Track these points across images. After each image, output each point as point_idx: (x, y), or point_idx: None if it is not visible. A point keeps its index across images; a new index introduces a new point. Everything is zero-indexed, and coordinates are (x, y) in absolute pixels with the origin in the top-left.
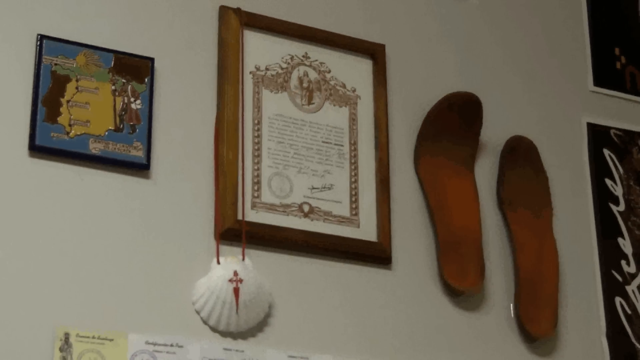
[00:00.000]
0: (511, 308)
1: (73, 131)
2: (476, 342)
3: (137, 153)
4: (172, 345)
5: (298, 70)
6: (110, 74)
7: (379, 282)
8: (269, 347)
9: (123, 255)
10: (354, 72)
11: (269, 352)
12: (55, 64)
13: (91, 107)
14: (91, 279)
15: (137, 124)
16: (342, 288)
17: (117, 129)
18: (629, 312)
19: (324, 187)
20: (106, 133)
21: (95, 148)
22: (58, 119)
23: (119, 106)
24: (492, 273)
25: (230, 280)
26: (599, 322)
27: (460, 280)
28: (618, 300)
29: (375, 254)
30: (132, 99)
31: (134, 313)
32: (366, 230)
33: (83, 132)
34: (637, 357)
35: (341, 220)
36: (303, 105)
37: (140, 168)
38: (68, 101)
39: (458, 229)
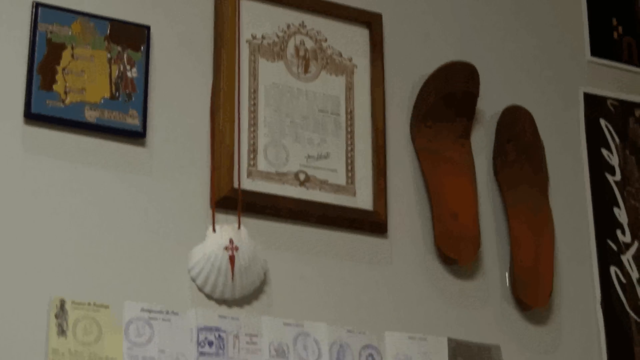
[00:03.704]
0: (506, 277)
1: (68, 99)
2: (471, 311)
3: (132, 121)
4: (167, 313)
5: (294, 39)
6: (106, 42)
7: (375, 250)
8: (264, 314)
9: (118, 223)
10: (350, 41)
11: (264, 320)
12: (51, 32)
13: (87, 75)
14: (86, 247)
15: (133, 92)
16: (338, 256)
17: (113, 97)
18: (624, 281)
19: (320, 156)
20: (102, 101)
21: (90, 116)
22: (53, 86)
23: (114, 74)
24: (487, 242)
25: (225, 248)
26: (594, 291)
27: (455, 248)
28: (613, 269)
29: (371, 223)
30: (127, 67)
31: (130, 280)
32: (362, 199)
33: (78, 100)
34: (631, 326)
35: (337, 188)
36: (299, 74)
37: (136, 136)
38: (63, 69)
39: (453, 197)
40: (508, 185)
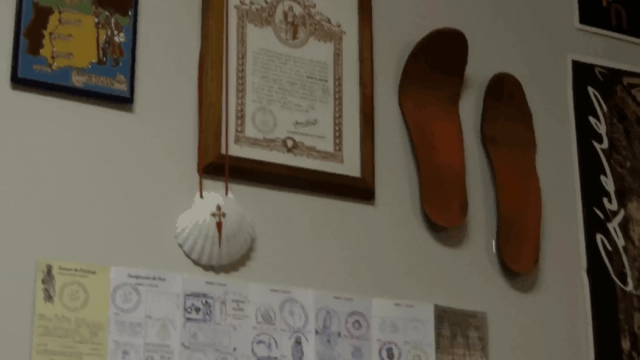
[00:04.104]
0: (493, 244)
1: (56, 64)
2: (457, 278)
3: (120, 86)
4: (154, 279)
5: (283, 4)
6: (94, 6)
7: (362, 217)
8: (251, 280)
9: (106, 188)
10: (339, 7)
11: (251, 286)
12: None
13: (74, 40)
14: (73, 212)
15: (120, 58)
16: (325, 223)
17: (100, 62)
18: (610, 248)
19: (308, 123)
20: (89, 66)
21: (78, 81)
22: (40, 51)
23: (102, 39)
24: (474, 209)
25: (213, 214)
26: (580, 258)
27: (442, 216)
28: (599, 236)
29: (359, 189)
30: (115, 32)
31: (117, 246)
32: (349, 166)
33: (66, 64)
34: (616, 292)
35: (325, 155)
36: (287, 40)
37: (123, 102)
38: (50, 33)
39: (441, 165)
40: (496, 153)
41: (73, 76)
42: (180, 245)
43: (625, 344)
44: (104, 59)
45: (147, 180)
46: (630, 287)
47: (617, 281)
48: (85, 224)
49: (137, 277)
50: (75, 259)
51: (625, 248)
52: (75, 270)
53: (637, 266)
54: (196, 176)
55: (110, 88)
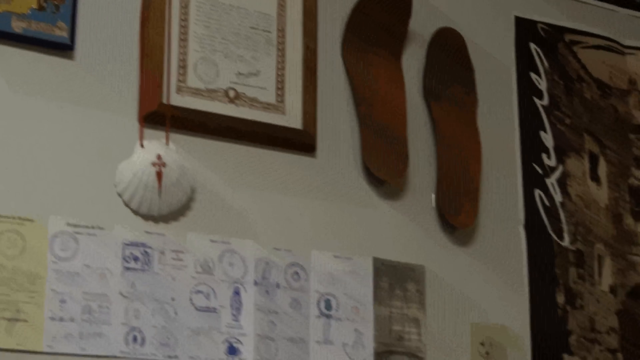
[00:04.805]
0: (432, 198)
1: None
2: (397, 231)
3: (60, 33)
4: (93, 228)
5: None
6: None
7: (303, 169)
8: (191, 231)
9: (45, 136)
10: None
11: (190, 236)
12: None
13: None
14: (11, 160)
15: (61, 4)
16: (266, 174)
17: (41, 8)
18: (548, 204)
19: (251, 74)
20: (29, 12)
21: (17, 27)
22: None
23: None
24: (415, 163)
25: (153, 164)
26: (518, 213)
27: (383, 169)
28: (537, 192)
29: (300, 141)
30: None
31: (55, 194)
32: (291, 118)
33: (5, 9)
34: (553, 247)
35: (266, 107)
36: None
37: (64, 49)
38: None
39: (383, 118)
40: (438, 107)
41: (13, 22)
42: (120, 195)
43: (560, 298)
44: (44, 4)
45: (86, 128)
46: (566, 242)
47: (554, 236)
48: (24, 172)
49: (75, 225)
50: (13, 207)
51: (562, 204)
52: (13, 218)
53: (574, 221)
54: (137, 125)
55: (50, 34)
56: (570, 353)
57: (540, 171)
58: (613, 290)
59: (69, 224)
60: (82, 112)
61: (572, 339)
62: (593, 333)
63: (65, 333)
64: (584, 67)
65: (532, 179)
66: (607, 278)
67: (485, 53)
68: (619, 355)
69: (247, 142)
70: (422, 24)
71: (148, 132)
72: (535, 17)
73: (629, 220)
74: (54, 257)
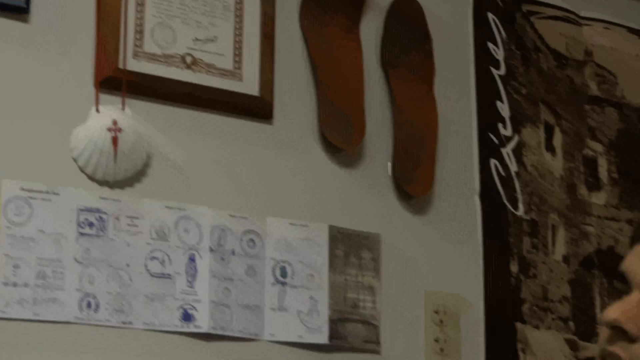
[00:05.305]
0: (388, 166)
1: None
2: (353, 199)
3: None
4: (47, 192)
5: None
6: None
7: (260, 136)
8: (146, 197)
9: (0, 99)
10: None
11: (146, 202)
12: None
13: None
14: None
15: None
16: (222, 141)
17: None
18: (503, 173)
19: (208, 40)
20: None
21: None
22: None
23: None
24: (371, 131)
25: (109, 129)
26: (473, 182)
27: (339, 137)
28: (493, 162)
29: (257, 108)
30: None
31: (9, 159)
32: (249, 84)
33: None
34: (507, 217)
35: (224, 73)
36: None
37: (19, 11)
38: None
39: (341, 86)
40: (395, 75)
41: None
42: (75, 160)
43: (514, 267)
44: None
45: (42, 92)
46: (520, 211)
47: (509, 205)
48: None
49: (29, 190)
50: None
51: (517, 173)
52: None
53: (529, 191)
54: (93, 90)
55: None
56: (523, 321)
57: (496, 141)
58: (566, 259)
59: (23, 189)
60: (37, 76)
61: (525, 308)
62: (546, 302)
63: (18, 298)
64: (540, 37)
65: (488, 149)
66: (560, 247)
67: (443, 22)
68: (571, 324)
69: (204, 108)
70: None
71: (104, 97)
72: None
73: (582, 191)
74: (7, 222)
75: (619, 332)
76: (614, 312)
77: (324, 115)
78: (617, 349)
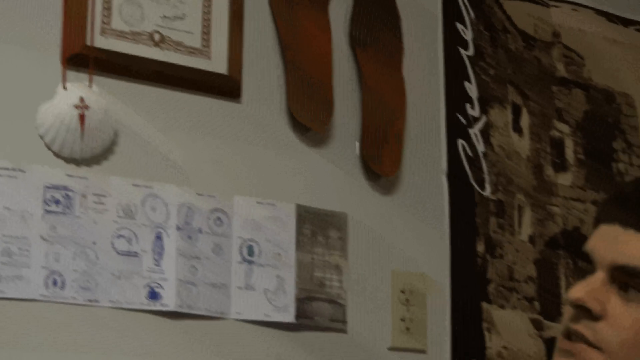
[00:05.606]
0: (356, 146)
1: None
2: (320, 178)
3: None
4: (13, 170)
5: None
6: None
7: (228, 114)
8: (113, 175)
9: None
10: None
11: (113, 180)
12: None
13: None
14: None
15: None
16: (190, 119)
17: None
18: (470, 154)
19: (176, 17)
20: None
21: None
22: None
23: None
24: (340, 111)
25: (76, 107)
26: (441, 162)
27: (307, 116)
28: (460, 142)
29: (225, 86)
30: None
31: None
32: (217, 62)
33: None
34: (474, 197)
35: (192, 51)
36: None
37: None
38: None
39: (309, 65)
40: (364, 55)
41: None
42: (42, 137)
43: (480, 247)
44: None
45: (8, 69)
46: (487, 191)
47: (476, 186)
48: None
49: None
50: None
51: (485, 154)
52: None
53: (496, 172)
54: (60, 67)
55: None
56: (489, 301)
57: (463, 121)
58: (532, 239)
59: None
60: (4, 52)
61: (491, 288)
62: (511, 282)
63: None
64: (509, 18)
65: (456, 129)
66: (526, 228)
67: (412, 2)
68: (536, 304)
69: (172, 86)
70: None
71: (71, 74)
72: None
73: (549, 172)
74: None
75: (583, 311)
76: (578, 291)
77: (293, 94)
78: (581, 327)
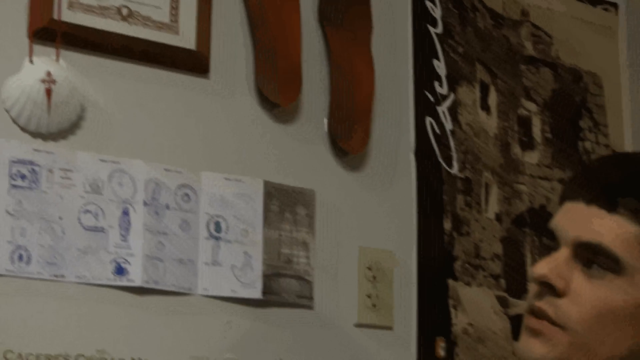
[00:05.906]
0: (324, 122)
1: None
2: (288, 155)
3: None
4: None
5: None
6: None
7: (195, 90)
8: (80, 150)
9: None
10: None
11: (80, 155)
12: None
13: None
14: None
15: None
16: (158, 95)
17: None
18: (438, 132)
19: None
20: None
21: None
22: None
23: None
24: (308, 87)
25: (42, 81)
26: (409, 140)
27: (276, 92)
28: (428, 120)
29: (193, 62)
30: None
31: None
32: (185, 38)
33: None
34: (442, 175)
35: (160, 25)
36: None
37: None
38: None
39: (278, 42)
40: (332, 32)
41: None
42: (7, 111)
43: (447, 224)
44: None
45: None
46: (455, 169)
47: (443, 164)
48: None
49: None
50: None
51: (452, 132)
52: None
53: (463, 150)
54: (26, 41)
55: None
56: (455, 278)
57: (432, 99)
58: (498, 217)
59: None
60: None
61: (457, 265)
62: (478, 259)
63: None
64: None
65: (424, 107)
66: (493, 206)
67: None
68: (502, 281)
69: (140, 61)
70: None
71: (38, 48)
72: None
73: (516, 150)
74: None
75: (547, 288)
76: (542, 267)
77: (261, 70)
78: (543, 304)
